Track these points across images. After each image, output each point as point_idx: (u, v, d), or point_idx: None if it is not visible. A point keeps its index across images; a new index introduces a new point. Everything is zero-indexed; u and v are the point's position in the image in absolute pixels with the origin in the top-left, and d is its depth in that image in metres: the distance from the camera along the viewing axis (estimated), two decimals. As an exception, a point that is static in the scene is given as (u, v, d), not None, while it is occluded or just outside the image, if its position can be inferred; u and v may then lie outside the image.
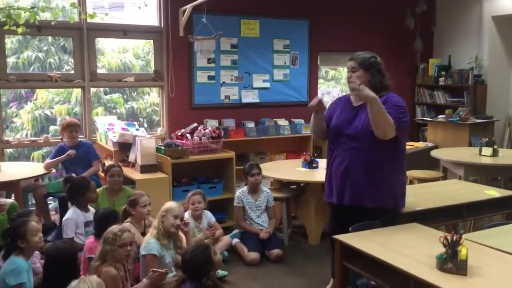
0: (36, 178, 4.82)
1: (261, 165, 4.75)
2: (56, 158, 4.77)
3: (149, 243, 3.33)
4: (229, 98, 6.19)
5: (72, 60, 5.66)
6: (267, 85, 6.42)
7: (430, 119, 7.01)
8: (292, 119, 6.48)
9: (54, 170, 5.06)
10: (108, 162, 4.93)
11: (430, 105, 7.57)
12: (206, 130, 5.15)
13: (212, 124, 5.76)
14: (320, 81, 7.64)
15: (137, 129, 5.33)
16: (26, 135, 6.44)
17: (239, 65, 6.21)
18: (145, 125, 6.97)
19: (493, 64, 7.05)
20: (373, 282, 2.84)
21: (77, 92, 6.31)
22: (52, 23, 4.49)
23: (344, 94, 3.30)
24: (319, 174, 4.64)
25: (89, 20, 4.36)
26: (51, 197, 5.00)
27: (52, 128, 6.56)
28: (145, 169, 4.68)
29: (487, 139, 5.17)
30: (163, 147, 4.89)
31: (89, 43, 5.43)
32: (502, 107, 7.19)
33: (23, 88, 6.37)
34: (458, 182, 4.44)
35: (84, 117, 5.59)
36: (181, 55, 5.85)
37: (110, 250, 2.90)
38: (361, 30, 6.93)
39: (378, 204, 3.02)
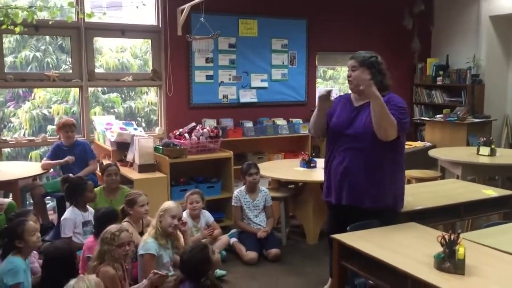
0: (34, 177, 4.81)
1: (259, 165, 4.75)
2: (55, 161, 4.78)
3: (147, 243, 3.33)
4: (227, 98, 6.19)
5: (70, 60, 5.66)
6: (265, 84, 6.43)
7: (428, 119, 7.02)
8: (290, 119, 6.48)
9: (52, 170, 5.06)
10: (105, 162, 4.92)
11: (428, 105, 7.58)
12: (204, 130, 5.15)
13: (210, 123, 5.76)
14: (318, 80, 7.64)
15: (135, 129, 5.32)
16: (24, 135, 6.44)
17: (237, 65, 6.21)
18: (143, 124, 6.97)
19: (491, 64, 7.06)
20: (371, 282, 2.85)
21: (75, 91, 6.31)
22: (50, 23, 4.48)
23: (342, 93, 3.27)
24: (317, 173, 4.65)
25: (87, 20, 4.34)
26: (49, 197, 4.99)
27: (50, 127, 6.56)
28: (143, 168, 4.68)
29: (484, 138, 5.18)
30: (161, 147, 4.88)
31: (87, 42, 5.43)
32: (499, 106, 7.21)
33: (20, 87, 6.36)
34: (456, 182, 4.45)
35: (82, 116, 5.59)
36: (179, 54, 5.85)
37: (108, 250, 2.90)
38: (359, 30, 6.94)
39: (378, 205, 3.02)
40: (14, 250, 2.89)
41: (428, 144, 6.60)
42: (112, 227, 2.98)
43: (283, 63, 6.54)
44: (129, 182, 4.58)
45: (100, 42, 6.80)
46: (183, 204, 4.14)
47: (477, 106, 6.94)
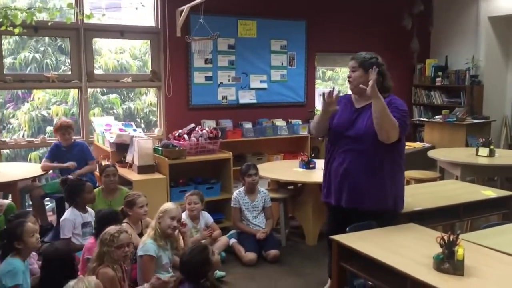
0: (33, 179, 4.81)
1: (259, 166, 4.75)
2: (56, 164, 4.78)
3: (146, 244, 3.33)
4: (226, 99, 6.19)
5: (69, 61, 5.66)
6: (265, 85, 6.43)
7: (427, 120, 7.02)
8: (289, 120, 6.48)
9: (51, 171, 5.06)
10: (105, 163, 4.92)
11: (427, 106, 7.59)
12: (204, 131, 5.15)
13: (209, 124, 5.75)
14: (317, 81, 7.65)
15: (134, 130, 5.32)
16: (23, 136, 6.44)
17: (237, 66, 6.21)
18: (142, 125, 6.97)
19: (490, 65, 7.07)
20: (370, 283, 2.85)
21: (74, 92, 6.30)
22: (49, 24, 4.48)
23: (341, 94, 3.25)
24: (317, 174, 4.65)
25: (86, 21, 4.36)
26: (48, 198, 4.99)
27: (49, 128, 6.55)
28: (142, 169, 4.68)
29: (483, 139, 5.19)
30: (160, 148, 4.88)
31: (86, 43, 5.43)
32: (498, 107, 7.22)
33: (20, 88, 6.36)
34: (455, 183, 4.46)
35: (81, 117, 5.58)
36: (178, 55, 5.85)
37: (107, 251, 2.89)
38: (358, 31, 6.95)
39: (378, 206, 3.02)
40: (13, 251, 2.88)
41: (427, 145, 6.61)
42: (111, 229, 2.98)
43: (282, 64, 6.54)
44: (128, 183, 4.58)
45: (99, 43, 6.81)
46: (183, 205, 4.14)
47: (476, 107, 6.95)
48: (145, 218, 3.87)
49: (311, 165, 4.92)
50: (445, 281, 2.22)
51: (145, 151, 4.71)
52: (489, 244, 2.65)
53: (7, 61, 6.31)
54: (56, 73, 5.56)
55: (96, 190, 4.26)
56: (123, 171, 4.78)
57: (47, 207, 5.21)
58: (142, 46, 7.14)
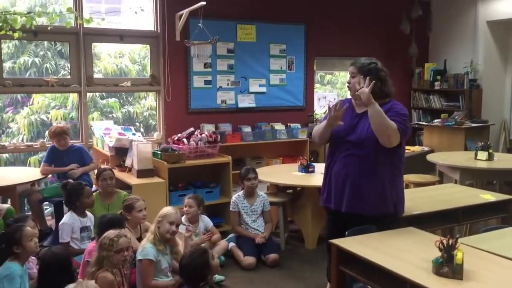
0: (32, 183, 4.81)
1: (258, 170, 4.75)
2: (58, 168, 4.78)
3: (145, 248, 3.32)
4: (225, 103, 6.20)
5: (69, 65, 5.67)
6: (264, 89, 6.44)
7: (426, 123, 7.04)
8: (288, 124, 6.49)
9: (50, 175, 5.05)
10: (104, 167, 4.92)
11: (425, 110, 7.60)
12: (203, 135, 5.15)
13: (208, 128, 5.76)
14: (316, 85, 7.66)
15: (134, 134, 5.33)
16: (22, 140, 6.44)
17: (236, 70, 6.22)
18: (142, 129, 6.98)
19: (488, 69, 7.09)
20: (369, 287, 2.84)
21: (73, 97, 6.31)
22: (49, 28, 4.49)
23: (340, 98, 3.25)
24: (316, 178, 4.66)
25: (85, 25, 4.36)
26: (47, 202, 4.99)
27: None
28: (141, 173, 4.67)
29: (482, 143, 5.19)
30: (159, 152, 4.88)
31: (85, 48, 5.44)
32: (497, 111, 7.23)
33: (19, 93, 6.37)
34: (454, 186, 4.45)
35: (80, 122, 5.59)
36: (177, 59, 5.86)
37: (106, 256, 2.89)
38: (357, 35, 6.97)
39: (379, 211, 3.02)
40: (12, 255, 2.88)
41: (426, 148, 6.61)
42: (111, 233, 2.97)
43: (281, 68, 6.55)
44: (127, 187, 4.57)
45: (98, 48, 6.82)
46: (182, 209, 4.14)
47: (474, 110, 6.96)
48: (144, 222, 3.86)
49: (310, 169, 4.93)
50: (444, 285, 2.22)
51: (144, 155, 4.71)
52: (488, 248, 2.64)
53: (7, 65, 6.32)
54: (55, 77, 5.57)
55: (93, 194, 4.26)
56: (122, 175, 4.78)
57: (46, 211, 5.20)
58: (141, 50, 7.16)
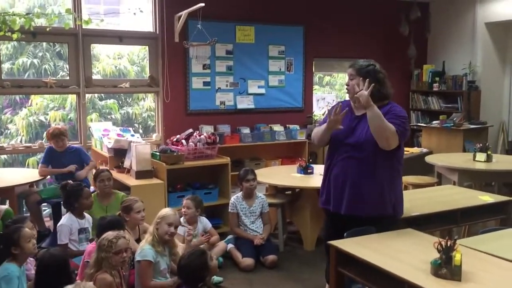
0: (31, 184, 4.80)
1: (256, 171, 4.75)
2: (56, 169, 4.78)
3: (144, 249, 3.32)
4: (224, 104, 6.20)
5: (67, 66, 5.66)
6: (262, 91, 6.44)
7: (425, 125, 7.04)
8: (287, 125, 6.49)
9: (48, 176, 5.04)
10: (101, 168, 4.92)
11: (424, 111, 7.61)
12: (202, 136, 5.15)
13: (207, 130, 5.76)
14: (315, 87, 7.67)
15: (132, 135, 5.32)
16: (21, 141, 6.43)
17: (234, 71, 6.22)
18: (140, 131, 6.97)
19: (487, 70, 7.11)
20: (368, 288, 2.85)
21: (72, 98, 6.31)
22: (47, 29, 4.49)
23: (339, 100, 3.26)
24: (314, 179, 4.66)
25: (84, 26, 4.37)
26: (45, 203, 4.98)
27: (46, 134, 6.55)
28: (140, 175, 4.67)
29: (481, 144, 5.20)
30: (158, 153, 4.88)
31: (84, 49, 5.44)
32: (495, 113, 7.24)
33: (18, 94, 6.36)
34: (452, 188, 4.46)
35: (79, 123, 5.58)
36: (176, 61, 5.86)
37: (105, 257, 2.89)
38: (355, 36, 6.98)
39: (378, 213, 3.02)
40: (10, 256, 2.88)
41: (424, 150, 6.63)
42: (109, 234, 2.97)
43: (280, 69, 6.56)
44: (126, 188, 4.57)
45: (97, 49, 6.82)
46: (180, 211, 4.14)
47: (473, 112, 6.97)
48: (143, 223, 3.86)
49: (309, 170, 4.93)
50: (442, 287, 2.22)
51: (143, 156, 4.71)
52: (486, 250, 2.65)
53: (5, 66, 6.32)
54: (54, 78, 5.56)
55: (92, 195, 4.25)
56: (121, 176, 4.78)
57: (44, 213, 5.20)
58: (140, 52, 7.15)
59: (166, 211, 3.53)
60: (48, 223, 5.03)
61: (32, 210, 4.72)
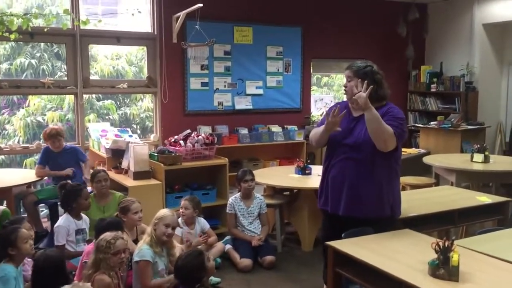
0: (28, 185, 4.79)
1: (254, 172, 4.75)
2: (53, 172, 4.77)
3: (142, 250, 3.32)
4: (222, 105, 6.20)
5: (65, 67, 5.65)
6: (260, 91, 6.44)
7: (422, 126, 7.05)
8: (285, 126, 6.49)
9: (46, 177, 5.04)
10: (98, 168, 4.91)
11: (422, 112, 7.62)
12: (199, 137, 5.15)
13: (205, 130, 5.76)
14: (313, 87, 7.67)
15: (130, 136, 5.32)
16: (18, 142, 6.42)
17: (233, 72, 6.22)
18: (138, 131, 6.96)
19: (484, 71, 7.12)
20: (365, 289, 2.85)
21: (69, 98, 6.31)
22: (45, 30, 4.48)
23: (337, 101, 3.26)
24: (312, 180, 4.66)
25: (82, 27, 4.36)
26: (42, 204, 4.97)
27: (44, 134, 6.54)
28: (138, 175, 4.67)
29: (478, 145, 5.21)
30: (156, 154, 4.88)
31: (82, 49, 5.43)
32: (493, 113, 7.26)
33: (15, 94, 6.35)
34: (450, 188, 4.47)
35: (76, 123, 5.58)
36: (174, 61, 5.86)
37: (103, 258, 2.88)
38: (353, 37, 6.99)
39: (376, 214, 3.02)
40: (7, 257, 2.87)
41: (422, 151, 6.63)
42: (107, 235, 2.96)
43: (278, 70, 6.56)
44: (124, 189, 4.57)
45: (95, 49, 6.82)
46: (178, 212, 4.13)
47: (470, 113, 6.98)
48: (140, 224, 3.86)
49: (307, 171, 4.93)
50: (440, 287, 2.23)
51: (141, 157, 4.71)
52: (484, 250, 2.65)
53: (3, 66, 6.31)
54: (52, 79, 5.55)
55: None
56: (118, 177, 4.77)
57: (42, 214, 5.18)
58: (138, 52, 7.15)
59: (164, 212, 3.53)
60: (46, 224, 5.02)
61: (29, 211, 4.71)
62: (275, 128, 6.38)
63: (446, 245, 2.31)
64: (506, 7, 6.64)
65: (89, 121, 6.33)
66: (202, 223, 4.30)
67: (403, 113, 3.13)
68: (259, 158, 6.27)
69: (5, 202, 4.50)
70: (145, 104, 7.14)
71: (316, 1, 6.73)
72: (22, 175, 4.93)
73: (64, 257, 3.16)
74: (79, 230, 3.86)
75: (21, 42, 6.16)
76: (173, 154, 4.89)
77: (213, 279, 3.80)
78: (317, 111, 7.45)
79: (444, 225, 3.53)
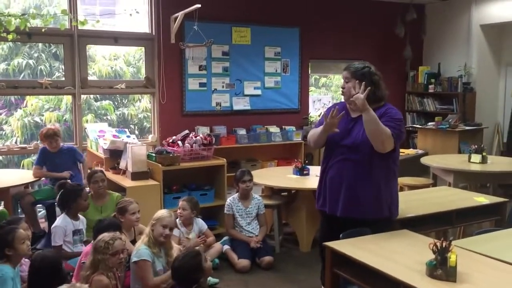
0: (26, 185, 4.78)
1: (253, 172, 4.75)
2: (51, 173, 4.76)
3: (140, 250, 3.32)
4: (220, 105, 6.20)
5: (63, 67, 5.65)
6: (259, 92, 6.44)
7: (420, 126, 7.06)
8: (283, 126, 6.49)
9: (43, 178, 5.03)
10: (95, 169, 4.90)
11: (420, 112, 7.63)
12: (198, 137, 5.15)
13: (203, 131, 5.75)
14: (311, 88, 7.68)
15: (128, 136, 5.31)
16: (16, 142, 6.41)
17: (231, 72, 6.22)
18: (136, 132, 6.96)
19: (482, 72, 7.13)
20: (363, 289, 2.85)
21: (67, 99, 6.30)
22: (43, 30, 4.47)
23: (335, 101, 3.26)
24: (310, 181, 4.66)
25: (80, 27, 4.36)
26: (40, 205, 4.96)
27: (41, 135, 6.53)
28: (136, 176, 4.66)
29: (476, 146, 5.22)
30: (154, 154, 4.88)
31: (80, 50, 5.42)
32: (490, 114, 7.27)
33: (13, 95, 6.35)
34: (447, 189, 4.47)
35: (74, 124, 5.57)
36: (172, 62, 5.86)
37: (102, 259, 2.88)
38: (351, 38, 7.00)
39: (374, 215, 3.02)
40: (4, 258, 2.86)
41: (420, 151, 6.64)
42: (105, 236, 2.96)
43: (276, 70, 6.56)
44: (122, 189, 4.56)
45: (93, 50, 6.81)
46: (176, 212, 4.13)
47: (468, 114, 7.00)
48: (138, 225, 3.86)
49: (305, 172, 4.93)
50: (437, 288, 2.23)
51: (138, 158, 4.70)
52: (481, 251, 2.66)
53: (1, 67, 6.31)
54: (49, 79, 5.55)
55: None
56: (116, 178, 4.77)
57: (39, 214, 5.17)
58: (136, 53, 7.15)
59: (162, 213, 3.52)
60: (43, 224, 5.01)
61: (27, 211, 4.69)
62: (273, 129, 6.38)
63: (443, 246, 2.32)
64: (504, 8, 6.66)
65: (87, 121, 6.33)
66: (200, 223, 4.29)
67: (401, 114, 3.13)
68: (257, 158, 6.27)
69: (2, 203, 4.50)
70: (143, 105, 7.13)
71: (314, 2, 6.74)
72: (20, 175, 4.92)
73: (61, 257, 3.15)
74: (76, 231, 3.85)
75: (19, 43, 6.16)
76: (171, 155, 4.88)
77: (211, 279, 3.79)
78: (315, 111, 7.45)
79: (442, 225, 3.53)
